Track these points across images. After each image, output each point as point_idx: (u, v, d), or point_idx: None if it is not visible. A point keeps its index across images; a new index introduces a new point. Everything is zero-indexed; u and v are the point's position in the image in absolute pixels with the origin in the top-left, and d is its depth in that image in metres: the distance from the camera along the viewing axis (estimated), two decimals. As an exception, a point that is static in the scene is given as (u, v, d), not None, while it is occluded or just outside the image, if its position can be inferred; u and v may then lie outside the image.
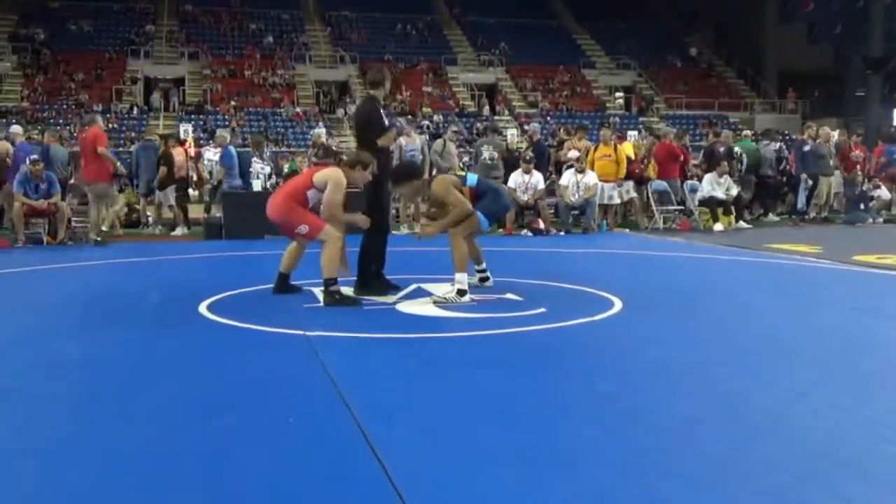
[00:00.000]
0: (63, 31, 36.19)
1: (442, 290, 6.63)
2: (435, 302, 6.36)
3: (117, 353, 4.93)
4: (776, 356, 4.71)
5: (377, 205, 7.04)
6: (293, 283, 6.91)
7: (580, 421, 3.52)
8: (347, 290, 6.67)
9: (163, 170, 13.66)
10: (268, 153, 15.74)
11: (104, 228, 12.00)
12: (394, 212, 13.97)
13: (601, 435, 3.34)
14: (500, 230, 13.12)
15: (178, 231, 13.38)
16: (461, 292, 6.41)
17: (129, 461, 3.08)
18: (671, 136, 15.46)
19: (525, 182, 13.06)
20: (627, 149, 14.43)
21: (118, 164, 12.54)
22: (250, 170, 14.11)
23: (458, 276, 6.45)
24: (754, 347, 4.95)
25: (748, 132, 19.39)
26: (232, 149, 14.05)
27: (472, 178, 6.91)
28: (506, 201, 7.19)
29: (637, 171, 14.22)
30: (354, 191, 6.84)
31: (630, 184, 14.09)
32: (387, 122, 7.25)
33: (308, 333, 5.26)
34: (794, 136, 24.96)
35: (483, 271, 7.19)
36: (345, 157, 6.85)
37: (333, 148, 17.71)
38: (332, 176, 6.46)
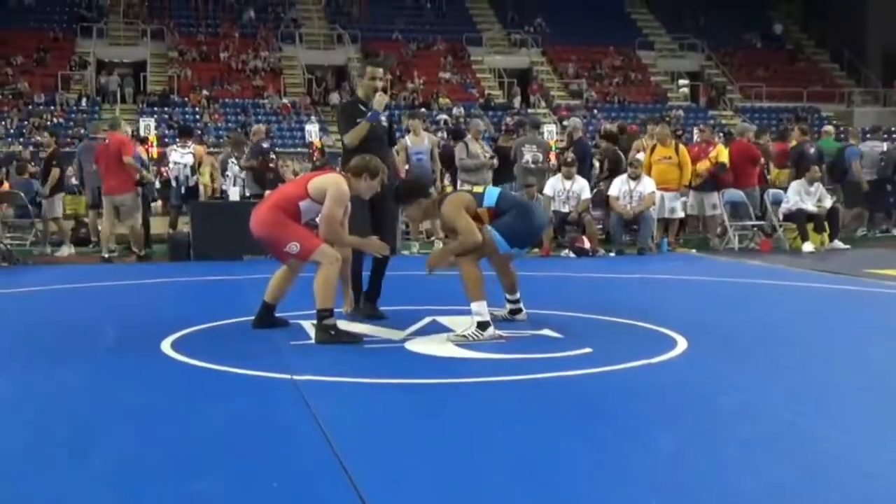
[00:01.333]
0: (-2, 4, 36.64)
1: (462, 325, 6.63)
2: (452, 340, 6.35)
3: (62, 401, 4.95)
4: (882, 411, 4.67)
5: (380, 224, 7.50)
6: (278, 315, 6.93)
7: (635, 492, 3.50)
8: (346, 325, 6.69)
9: (54, 172, 13.93)
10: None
11: (135, 250, 12.88)
12: (402, 227, 14.03)
13: (661, 507, 3.32)
14: (536, 250, 13.13)
15: (64, 251, 13.51)
16: (482, 325, 6.38)
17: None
18: (749, 134, 15.44)
19: (566, 190, 13.07)
20: (722, 153, 14.27)
21: (145, 172, 13.36)
22: (226, 173, 14.26)
23: (474, 306, 6.42)
24: (855, 400, 4.91)
25: (829, 128, 19.35)
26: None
27: (492, 196, 6.80)
28: (537, 222, 7.11)
29: (728, 181, 14.11)
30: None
31: (716, 196, 14.02)
32: (375, 118, 7.67)
33: (296, 377, 5.27)
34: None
35: (516, 302, 7.20)
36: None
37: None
38: (331, 185, 6.38)
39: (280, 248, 6.46)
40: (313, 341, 6.31)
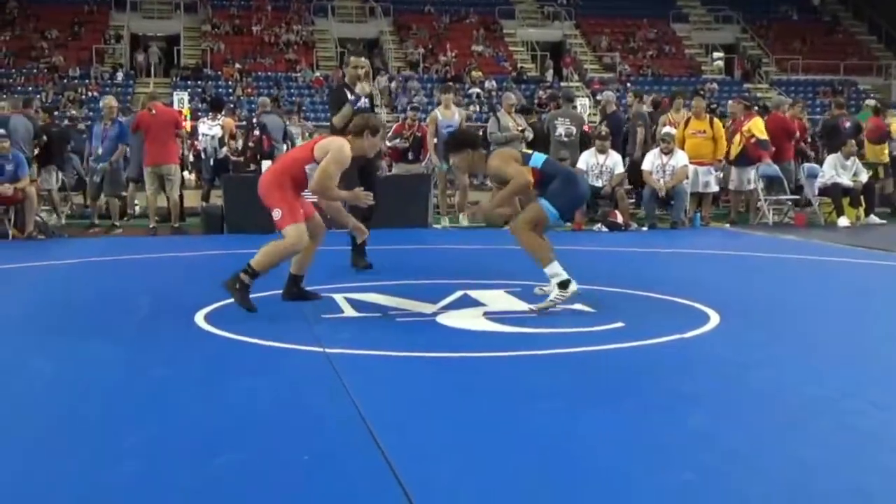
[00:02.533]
0: (33, -21, 36.77)
1: (497, 302, 6.61)
2: (539, 309, 6.45)
3: (97, 374, 5.00)
4: (917, 387, 4.63)
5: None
6: (309, 288, 6.95)
7: (667, 468, 3.48)
8: (383, 298, 6.67)
9: (40, 143, 13.80)
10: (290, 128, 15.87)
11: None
12: (434, 200, 14.03)
13: (696, 486, 3.30)
14: (568, 224, 13.08)
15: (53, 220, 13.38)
16: (563, 284, 6.48)
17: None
18: (785, 107, 15.26)
19: (599, 164, 13.00)
20: (758, 126, 14.05)
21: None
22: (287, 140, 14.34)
23: (547, 269, 6.54)
24: (887, 376, 4.87)
25: (871, 102, 19.07)
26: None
27: (539, 158, 6.87)
28: (582, 190, 7.21)
29: (764, 155, 13.93)
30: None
31: (752, 171, 13.88)
32: (358, 104, 8.71)
33: (328, 350, 5.29)
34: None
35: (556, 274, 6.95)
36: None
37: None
38: (334, 146, 6.53)
39: (270, 209, 6.56)
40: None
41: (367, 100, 9.05)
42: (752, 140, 13.82)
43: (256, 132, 13.89)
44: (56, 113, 29.12)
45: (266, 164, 13.29)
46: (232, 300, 6.46)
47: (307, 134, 16.11)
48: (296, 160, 6.65)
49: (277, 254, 6.43)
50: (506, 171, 6.65)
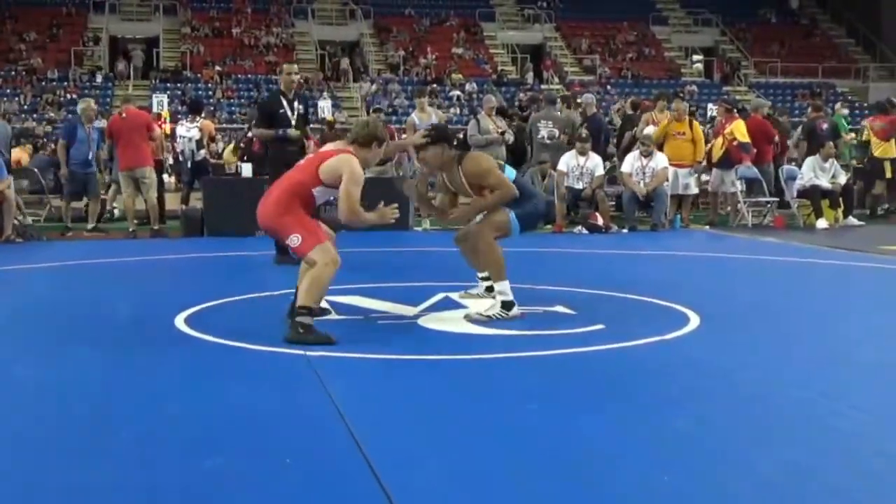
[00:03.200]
0: (11, -20, 36.56)
1: (479, 305, 6.61)
2: (471, 319, 6.29)
3: (78, 378, 4.97)
4: (897, 388, 4.66)
5: None
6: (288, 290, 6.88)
7: (649, 469, 3.49)
8: (363, 301, 6.67)
9: None
10: None
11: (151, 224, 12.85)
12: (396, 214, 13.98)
13: (678, 489, 3.31)
14: (549, 227, 13.10)
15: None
16: (507, 304, 6.32)
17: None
18: (764, 110, 15.34)
19: (579, 166, 13.02)
20: (739, 129, 14.12)
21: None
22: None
23: (498, 286, 6.39)
24: (870, 378, 4.89)
25: (839, 106, 19.15)
26: None
27: (511, 173, 6.72)
28: (543, 205, 6.99)
29: (745, 157, 13.99)
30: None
31: (733, 174, 13.93)
32: (290, 113, 9.55)
33: (309, 354, 5.27)
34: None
35: (488, 278, 6.85)
36: (350, 134, 6.47)
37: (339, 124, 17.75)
38: (344, 166, 5.95)
39: (283, 239, 6.05)
40: (293, 331, 5.73)
41: (301, 108, 9.72)
42: (735, 143, 13.89)
43: (249, 134, 13.87)
44: (35, 115, 29.04)
45: (247, 166, 13.28)
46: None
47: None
48: (301, 184, 6.03)
49: (319, 282, 5.81)
50: (489, 178, 6.47)
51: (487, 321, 6.21)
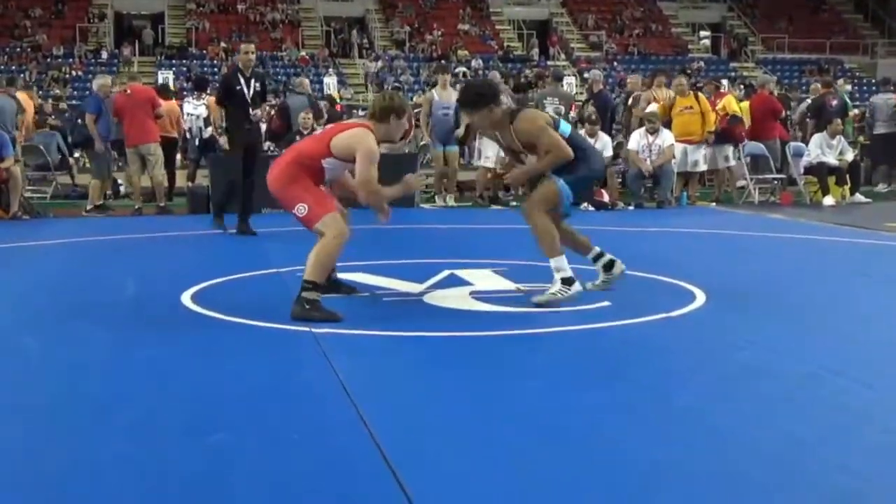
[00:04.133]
0: (16, -44, 36.47)
1: (486, 281, 6.58)
2: (540, 303, 6.00)
3: (86, 355, 4.99)
4: (902, 364, 4.66)
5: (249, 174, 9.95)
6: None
7: (653, 444, 3.50)
8: (367, 277, 6.65)
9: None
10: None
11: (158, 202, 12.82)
12: (428, 180, 14.00)
13: (681, 463, 3.32)
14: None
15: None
16: (567, 281, 6.01)
17: (105, 486, 3.11)
18: (770, 85, 15.26)
19: (589, 148, 12.88)
20: (730, 103, 14.13)
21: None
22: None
23: (553, 262, 6.05)
24: (876, 354, 4.89)
25: (842, 82, 19.03)
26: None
27: (566, 127, 6.23)
28: (599, 164, 6.55)
29: (740, 132, 13.98)
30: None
31: (729, 149, 13.90)
32: (247, 91, 10.05)
33: (315, 331, 5.28)
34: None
35: (599, 256, 6.53)
36: (368, 109, 6.17)
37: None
38: (358, 143, 5.77)
39: (290, 209, 5.88)
40: (305, 306, 5.63)
41: (257, 85, 10.20)
42: (726, 117, 13.87)
43: (272, 112, 13.83)
44: (40, 92, 29.02)
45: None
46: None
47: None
48: (310, 154, 5.87)
49: (327, 254, 5.71)
50: (541, 139, 5.99)
51: (554, 300, 5.96)
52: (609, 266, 6.51)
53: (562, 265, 6.04)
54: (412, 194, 5.79)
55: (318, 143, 5.92)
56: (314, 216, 5.69)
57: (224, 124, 11.01)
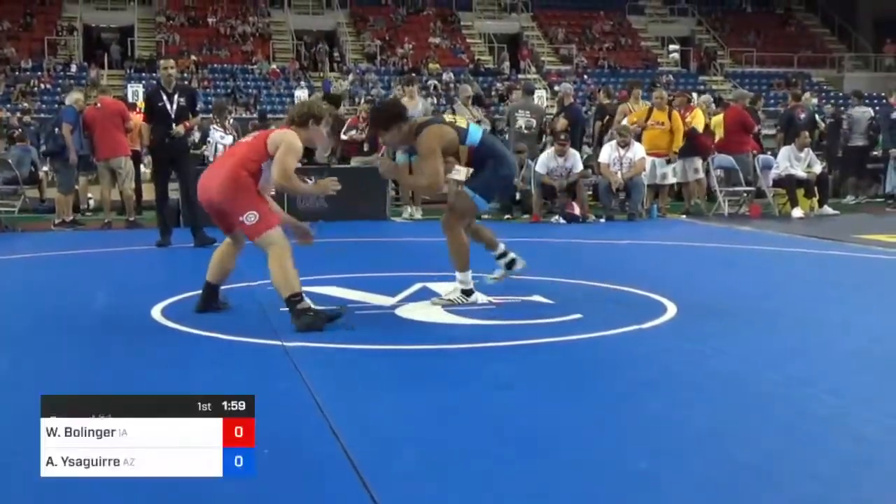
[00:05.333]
0: (-18, -33, 36.20)
1: (446, 289, 6.64)
2: (437, 303, 6.41)
3: (53, 368, 4.95)
4: (872, 374, 4.69)
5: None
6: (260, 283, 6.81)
7: (625, 454, 3.51)
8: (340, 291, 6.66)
9: None
10: (230, 121, 15.70)
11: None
12: (392, 193, 14.01)
13: (654, 473, 3.33)
14: (526, 216, 13.12)
15: None
16: (466, 292, 6.44)
17: (87, 497, 3.08)
18: (746, 100, 15.38)
19: (559, 166, 12.91)
20: (698, 117, 14.27)
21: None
22: (208, 140, 14.14)
23: (459, 276, 6.47)
24: (845, 363, 4.93)
25: (808, 95, 19.18)
26: None
27: (476, 134, 6.43)
28: (509, 169, 6.67)
29: (710, 145, 14.10)
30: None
31: (698, 161, 14.01)
32: (170, 107, 10.28)
33: (286, 344, 5.26)
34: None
35: (504, 255, 6.75)
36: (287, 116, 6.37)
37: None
38: (285, 139, 5.96)
39: (236, 217, 5.90)
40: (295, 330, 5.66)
41: (182, 100, 10.45)
42: (692, 131, 14.00)
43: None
44: (8, 105, 28.79)
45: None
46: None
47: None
48: (253, 158, 5.97)
49: (284, 268, 5.75)
50: (424, 163, 6.31)
51: (450, 305, 6.33)
52: (511, 265, 6.74)
53: (467, 279, 6.44)
54: (326, 194, 6.18)
55: (256, 148, 6.03)
56: (261, 228, 5.82)
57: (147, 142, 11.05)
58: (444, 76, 33.67)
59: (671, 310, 6.23)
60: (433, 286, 7.05)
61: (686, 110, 14.45)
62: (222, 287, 6.42)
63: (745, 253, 9.94)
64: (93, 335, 5.73)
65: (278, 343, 5.30)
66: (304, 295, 5.75)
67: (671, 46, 39.12)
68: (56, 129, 12.81)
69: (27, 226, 12.81)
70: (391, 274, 7.47)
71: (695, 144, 14.00)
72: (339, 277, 7.41)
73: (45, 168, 15.98)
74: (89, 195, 14.67)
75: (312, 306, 5.76)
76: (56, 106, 26.87)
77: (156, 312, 6.27)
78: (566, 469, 3.36)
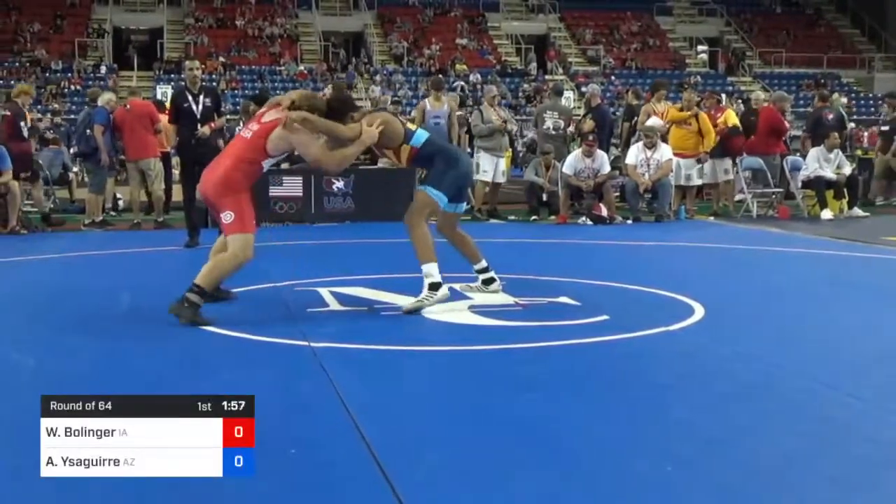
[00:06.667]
0: (15, -29, 36.54)
1: (483, 297, 6.64)
2: (408, 311, 6.27)
3: (78, 367, 5.01)
4: (898, 378, 4.67)
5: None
6: (291, 282, 6.86)
7: (650, 457, 3.51)
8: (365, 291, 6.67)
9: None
10: None
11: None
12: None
13: (676, 478, 3.33)
14: (553, 217, 13.10)
15: None
16: (433, 286, 6.33)
17: (87, 497, 3.11)
18: (785, 103, 15.25)
19: (586, 167, 12.88)
20: (731, 118, 14.17)
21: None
22: None
23: (424, 267, 6.39)
24: (870, 368, 4.91)
25: (836, 96, 19.03)
26: None
27: (421, 137, 6.52)
28: (464, 169, 6.74)
29: (740, 145, 14.01)
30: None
31: (728, 162, 13.94)
32: (195, 108, 10.36)
33: (313, 345, 5.29)
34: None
35: (485, 270, 6.86)
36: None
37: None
38: (292, 139, 6.09)
39: (218, 212, 6.16)
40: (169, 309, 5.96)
41: (207, 100, 10.51)
42: (725, 130, 13.91)
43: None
44: (39, 106, 29.07)
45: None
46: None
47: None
48: (251, 159, 6.14)
49: (221, 270, 6.10)
50: (338, 134, 6.25)
51: (419, 307, 6.24)
52: (489, 282, 6.84)
53: (431, 271, 6.38)
54: (373, 141, 6.22)
55: (255, 147, 6.15)
56: (234, 229, 6.06)
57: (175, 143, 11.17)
58: (471, 77, 33.69)
59: (698, 312, 6.21)
60: (458, 286, 7.06)
61: (717, 111, 14.36)
62: (252, 287, 6.46)
63: (773, 255, 9.89)
64: (119, 335, 5.78)
65: (305, 343, 5.33)
66: (204, 296, 5.96)
67: (699, 47, 38.94)
68: (87, 131, 12.91)
69: (56, 227, 12.91)
70: (418, 275, 7.49)
71: (727, 145, 13.92)
72: (367, 278, 7.44)
73: (76, 169, 16.13)
74: (118, 196, 14.76)
75: (199, 305, 5.92)
76: (85, 108, 27.13)
77: (184, 313, 6.30)
78: (587, 473, 3.37)
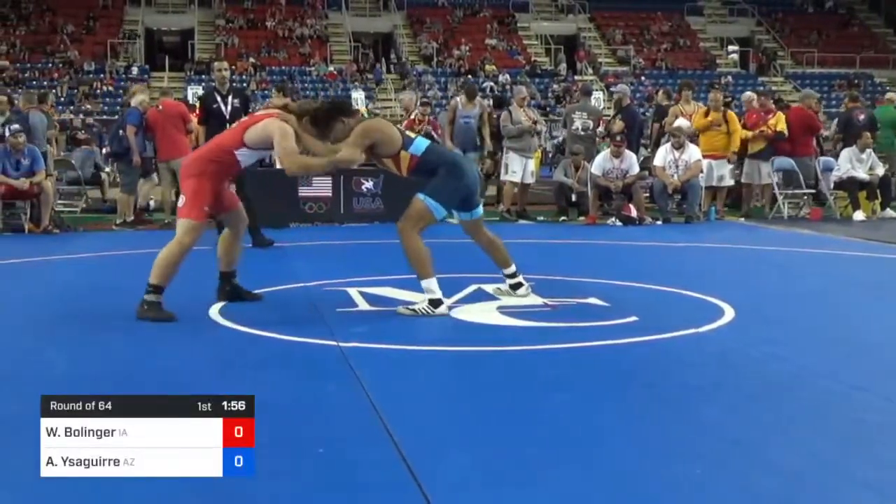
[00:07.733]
0: (48, -27, 36.91)
1: (511, 299, 6.62)
2: (402, 312, 6.25)
3: (110, 365, 5.04)
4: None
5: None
6: (322, 282, 6.91)
7: (678, 460, 3.49)
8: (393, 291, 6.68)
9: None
10: None
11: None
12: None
13: (703, 481, 3.31)
14: (582, 218, 13.06)
15: None
16: (434, 302, 6.22)
17: (129, 494, 3.13)
18: (812, 101, 15.12)
19: (615, 168, 12.84)
20: (781, 122, 14.00)
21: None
22: None
23: (424, 283, 6.27)
24: (902, 369, 4.87)
25: (893, 95, 18.91)
26: None
27: (421, 145, 6.41)
28: (469, 180, 6.51)
29: (785, 149, 13.89)
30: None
31: (770, 165, 13.80)
32: (224, 108, 10.35)
33: (342, 345, 5.31)
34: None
35: (513, 275, 6.76)
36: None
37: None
38: (273, 128, 6.06)
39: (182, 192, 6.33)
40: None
41: (236, 101, 10.53)
42: (774, 133, 13.79)
43: None
44: (71, 107, 29.36)
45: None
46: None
47: None
48: (226, 146, 6.21)
49: (168, 260, 6.14)
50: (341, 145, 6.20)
51: (414, 315, 6.16)
52: (516, 286, 6.73)
53: (431, 286, 6.25)
54: (347, 164, 6.23)
55: (232, 136, 6.27)
56: (182, 213, 6.16)
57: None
58: (501, 78, 33.66)
59: (728, 313, 6.18)
60: (488, 287, 7.06)
61: (768, 113, 14.20)
62: (280, 287, 6.48)
63: (805, 256, 9.82)
64: (149, 334, 5.82)
65: (334, 343, 5.35)
66: (161, 293, 6.07)
67: (730, 47, 38.74)
68: (120, 131, 13.00)
69: (89, 225, 13.02)
70: (446, 275, 7.49)
71: (775, 148, 13.81)
72: (396, 278, 7.45)
73: (108, 169, 16.26)
74: (151, 197, 14.87)
75: (158, 303, 6.05)
76: (118, 108, 27.32)
77: (213, 312, 6.35)
78: (615, 475, 3.36)
